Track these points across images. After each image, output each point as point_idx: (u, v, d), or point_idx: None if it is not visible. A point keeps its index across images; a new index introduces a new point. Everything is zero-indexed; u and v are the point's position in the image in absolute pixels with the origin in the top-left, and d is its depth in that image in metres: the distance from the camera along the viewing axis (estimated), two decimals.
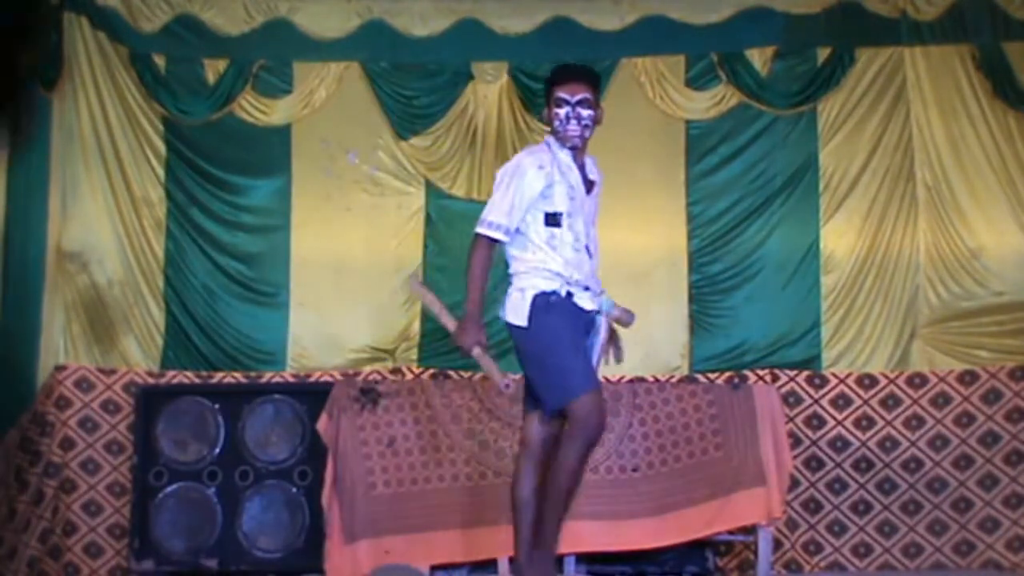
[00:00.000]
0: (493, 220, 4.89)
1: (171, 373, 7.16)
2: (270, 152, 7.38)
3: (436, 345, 7.20)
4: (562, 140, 4.96)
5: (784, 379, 7.13)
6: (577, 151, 4.99)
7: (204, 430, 6.69)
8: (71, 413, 7.05)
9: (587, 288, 4.97)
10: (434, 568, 6.17)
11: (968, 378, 7.11)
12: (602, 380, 5.09)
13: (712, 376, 7.12)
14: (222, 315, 7.21)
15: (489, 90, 7.42)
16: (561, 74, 5.01)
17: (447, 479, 6.31)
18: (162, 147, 7.34)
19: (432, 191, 7.37)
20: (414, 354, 7.24)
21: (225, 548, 6.58)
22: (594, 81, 5.04)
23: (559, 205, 4.91)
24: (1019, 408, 7.05)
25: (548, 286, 4.91)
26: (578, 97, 4.91)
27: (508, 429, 6.34)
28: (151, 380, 7.11)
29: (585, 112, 4.92)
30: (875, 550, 7.02)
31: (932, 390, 7.12)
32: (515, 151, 7.33)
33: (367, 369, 7.16)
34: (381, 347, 7.21)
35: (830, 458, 7.09)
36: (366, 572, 6.08)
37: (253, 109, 7.38)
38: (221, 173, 7.37)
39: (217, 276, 7.29)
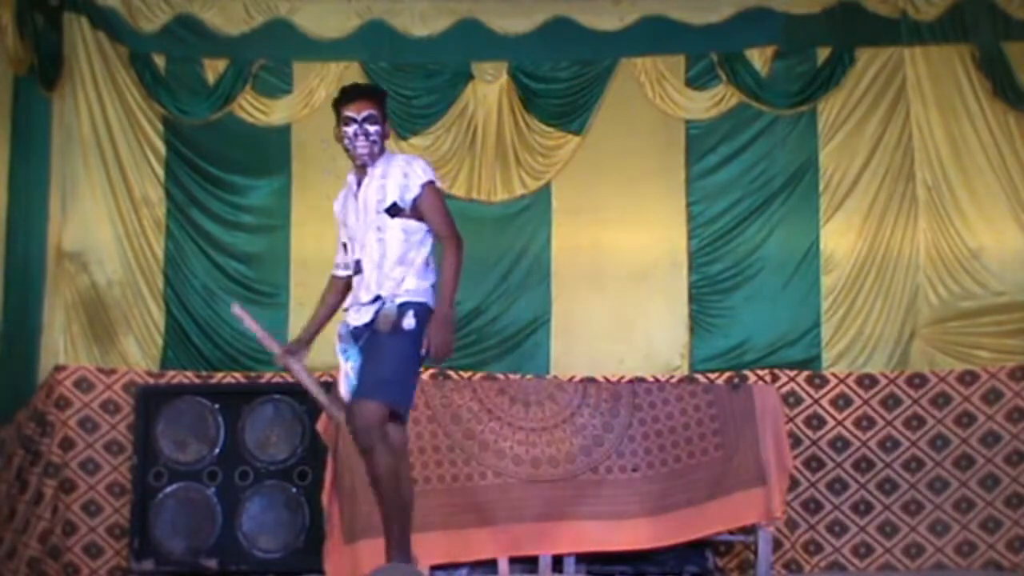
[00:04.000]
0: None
1: (171, 373, 7.16)
2: (270, 152, 7.39)
3: None
4: (352, 158, 5.08)
5: (784, 379, 7.13)
6: (366, 167, 5.06)
7: (204, 430, 6.70)
8: (71, 413, 7.05)
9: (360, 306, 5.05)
10: (434, 568, 6.16)
11: (968, 378, 7.11)
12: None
13: (712, 376, 7.12)
14: (222, 315, 7.21)
15: (489, 90, 7.42)
16: (346, 94, 5.15)
17: (447, 479, 6.30)
18: (162, 147, 7.34)
19: None
20: None
21: (225, 548, 6.57)
22: (379, 98, 5.15)
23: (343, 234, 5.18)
24: (1019, 408, 7.05)
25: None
26: (364, 114, 5.02)
27: (508, 429, 6.34)
28: (151, 380, 7.11)
29: (372, 128, 5.01)
30: (876, 550, 7.02)
31: (932, 390, 7.12)
32: (515, 151, 7.38)
33: None
34: None
35: (830, 458, 7.09)
36: (366, 572, 6.06)
37: (253, 109, 7.38)
38: (221, 173, 7.37)
39: (217, 276, 7.29)
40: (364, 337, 4.98)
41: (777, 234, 7.31)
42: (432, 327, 4.88)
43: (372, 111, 5.04)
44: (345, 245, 5.15)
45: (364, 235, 5.01)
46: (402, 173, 5.03)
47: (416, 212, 5.00)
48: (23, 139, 6.82)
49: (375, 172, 5.05)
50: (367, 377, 4.91)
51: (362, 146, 5.03)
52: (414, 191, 5.00)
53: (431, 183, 5.07)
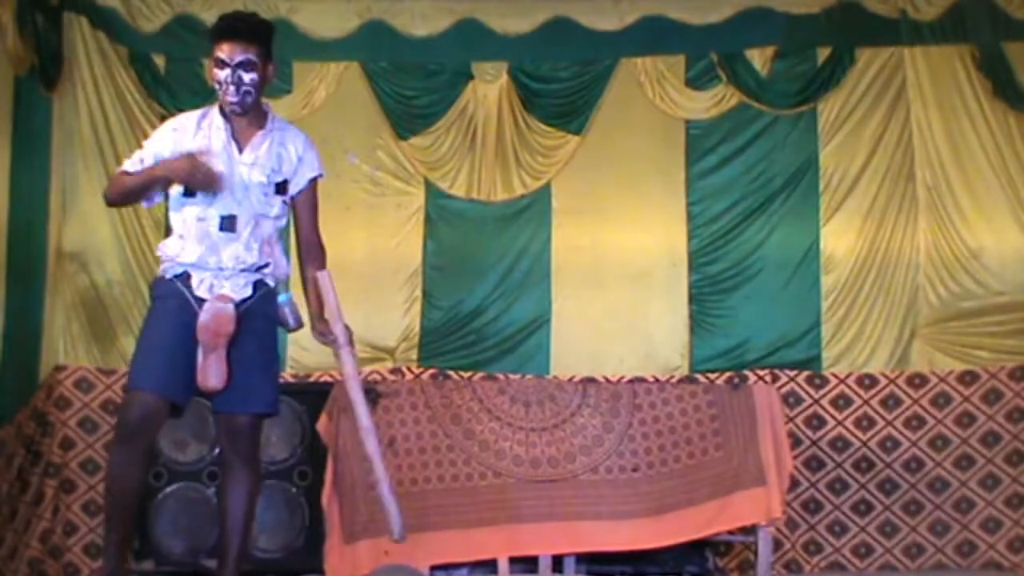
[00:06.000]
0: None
1: None
2: None
3: (436, 345, 7.21)
4: (221, 105, 4.53)
5: (784, 379, 7.14)
6: (242, 118, 4.54)
7: (204, 430, 6.67)
8: (71, 413, 7.05)
9: (234, 273, 4.53)
10: (434, 568, 6.16)
11: (968, 378, 7.11)
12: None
13: (712, 376, 7.12)
14: None
15: (489, 90, 7.42)
16: (222, 29, 4.49)
17: (447, 479, 6.30)
18: None
19: (432, 191, 7.36)
20: (414, 354, 7.24)
21: None
22: (261, 36, 4.50)
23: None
24: (1020, 408, 7.05)
25: (161, 268, 4.62)
26: (239, 59, 4.42)
27: (508, 429, 6.34)
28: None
29: (247, 76, 4.43)
30: (876, 550, 7.02)
31: (932, 390, 7.12)
32: (515, 151, 7.38)
33: (367, 369, 7.14)
34: (381, 347, 7.21)
35: (830, 458, 7.09)
36: (366, 572, 6.07)
37: None
38: None
39: None
40: (240, 317, 4.50)
41: (777, 234, 7.31)
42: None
43: (250, 55, 4.43)
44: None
45: (243, 193, 4.52)
46: (297, 156, 4.62)
47: (285, 198, 4.63)
48: (23, 139, 6.81)
49: (270, 133, 4.59)
50: (262, 380, 4.63)
51: (232, 95, 4.46)
52: (302, 183, 4.66)
53: (320, 177, 4.75)
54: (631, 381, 6.93)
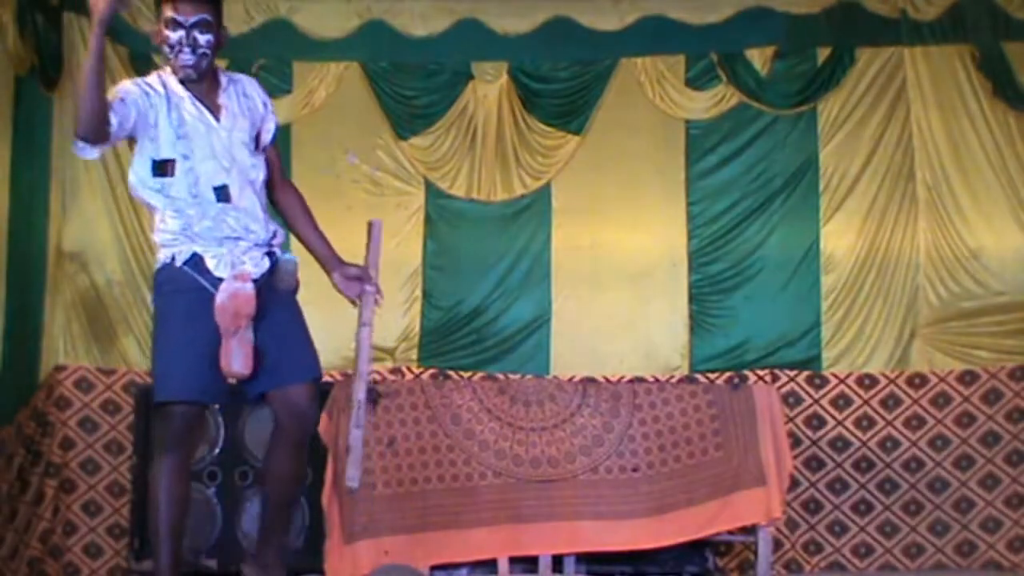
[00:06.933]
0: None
1: None
2: None
3: (436, 345, 7.21)
4: (174, 71, 4.21)
5: (784, 379, 7.14)
6: (196, 83, 4.22)
7: (204, 430, 6.68)
8: (71, 413, 7.05)
9: (230, 239, 4.19)
10: (434, 568, 6.16)
11: (968, 378, 7.11)
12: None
13: (712, 376, 7.12)
14: None
15: (489, 90, 7.42)
16: None
17: (447, 479, 6.30)
18: None
19: (432, 191, 7.37)
20: (414, 354, 7.24)
21: (225, 548, 6.55)
22: None
23: (166, 150, 4.18)
24: (1019, 408, 7.05)
25: (165, 254, 4.23)
26: (194, 19, 4.14)
27: (508, 429, 6.34)
28: (151, 380, 7.09)
29: (203, 37, 4.16)
30: (876, 550, 7.02)
31: (932, 390, 7.12)
32: (515, 151, 7.38)
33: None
34: (381, 347, 7.21)
35: (830, 458, 7.09)
36: (366, 572, 6.07)
37: None
38: None
39: None
40: (263, 291, 4.19)
41: (777, 234, 7.31)
42: None
43: (205, 14, 4.18)
44: (169, 161, 4.21)
45: (230, 160, 4.23)
46: (262, 102, 4.38)
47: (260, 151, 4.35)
48: (24, 139, 6.82)
49: (232, 87, 4.31)
50: (304, 347, 4.29)
51: (186, 58, 4.15)
52: (273, 129, 4.40)
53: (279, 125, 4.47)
54: (631, 381, 6.94)
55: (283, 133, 7.36)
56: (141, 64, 7.28)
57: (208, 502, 6.58)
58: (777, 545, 6.77)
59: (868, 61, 7.34)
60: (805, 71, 7.36)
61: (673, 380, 6.99)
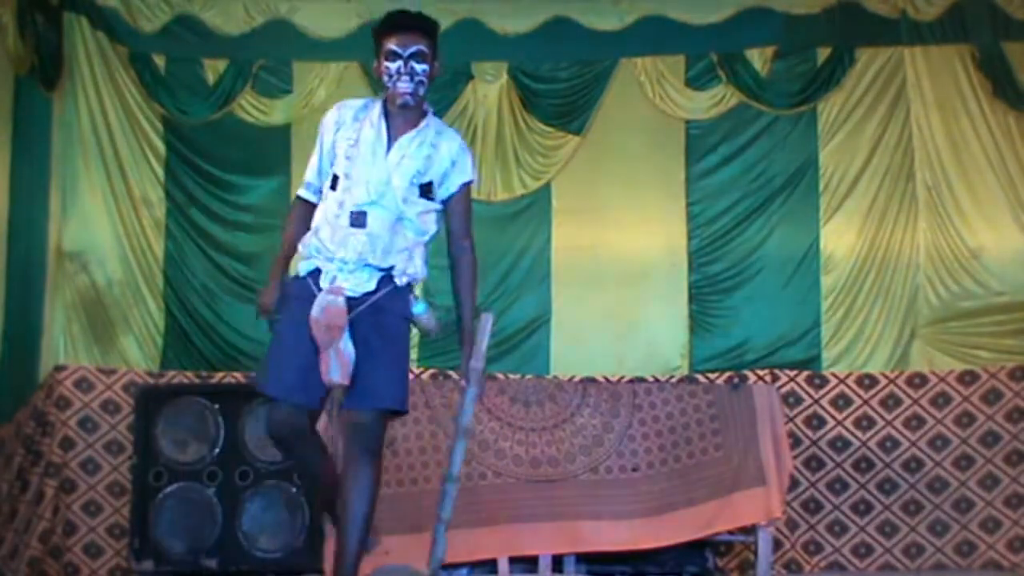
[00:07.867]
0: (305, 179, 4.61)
1: (171, 373, 7.16)
2: (270, 152, 7.38)
3: (436, 345, 7.20)
4: (391, 98, 4.45)
5: (784, 379, 7.14)
6: (409, 110, 4.46)
7: (204, 430, 6.69)
8: (71, 413, 7.05)
9: (358, 267, 4.42)
10: None
11: (968, 378, 7.11)
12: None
13: (712, 376, 7.12)
14: (222, 315, 7.21)
15: (489, 90, 7.42)
16: (392, 23, 4.46)
17: None
18: (162, 147, 7.34)
19: None
20: (414, 354, 7.23)
21: (225, 548, 6.57)
22: (430, 31, 4.48)
23: (338, 166, 4.47)
24: (1019, 408, 7.05)
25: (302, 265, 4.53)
26: (412, 49, 4.40)
27: (508, 429, 6.34)
28: (151, 380, 7.11)
29: (419, 67, 4.40)
30: (876, 550, 7.02)
31: (932, 390, 7.12)
32: (515, 151, 7.38)
33: None
34: None
35: (830, 458, 7.09)
36: (366, 572, 6.07)
37: (253, 109, 7.38)
38: (221, 173, 7.37)
39: (217, 276, 7.29)
40: (363, 312, 4.40)
41: (777, 234, 7.31)
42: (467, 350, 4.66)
43: (422, 46, 4.41)
44: (336, 177, 4.47)
45: (382, 190, 4.41)
46: (450, 159, 4.50)
47: (431, 199, 4.52)
48: (24, 139, 6.82)
49: (424, 132, 4.49)
50: (383, 375, 4.46)
51: (404, 86, 4.40)
52: (452, 188, 4.52)
53: (471, 183, 4.61)
54: (631, 381, 6.94)
55: (283, 133, 7.42)
56: (141, 64, 7.30)
57: (208, 502, 6.59)
58: (777, 545, 6.77)
59: (868, 61, 7.34)
60: (805, 71, 7.37)
61: (673, 380, 6.99)
